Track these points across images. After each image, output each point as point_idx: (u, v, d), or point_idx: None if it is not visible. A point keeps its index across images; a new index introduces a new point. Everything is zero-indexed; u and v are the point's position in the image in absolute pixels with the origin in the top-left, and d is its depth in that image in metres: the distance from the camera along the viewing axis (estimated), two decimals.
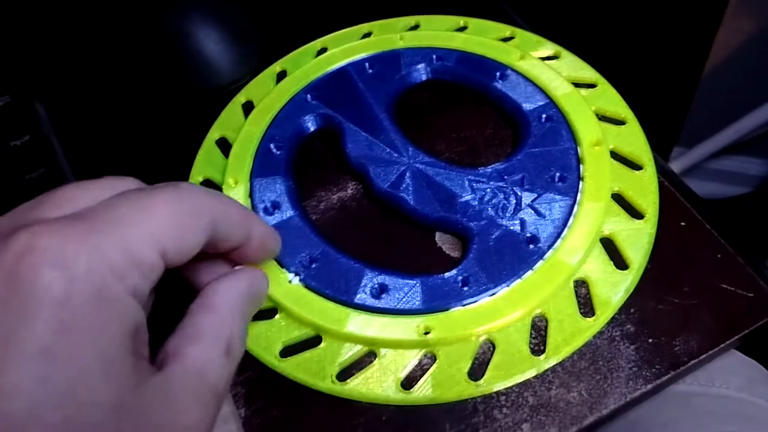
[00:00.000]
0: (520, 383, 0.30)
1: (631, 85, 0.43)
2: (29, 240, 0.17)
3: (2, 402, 0.15)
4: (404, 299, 0.32)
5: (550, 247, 0.33)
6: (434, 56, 0.42)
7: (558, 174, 0.35)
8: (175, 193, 0.21)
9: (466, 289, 0.32)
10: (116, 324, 0.18)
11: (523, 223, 0.34)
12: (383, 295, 0.32)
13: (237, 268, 0.26)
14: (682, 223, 0.34)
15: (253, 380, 0.32)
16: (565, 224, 0.34)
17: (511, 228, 0.34)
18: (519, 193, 0.35)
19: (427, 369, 0.30)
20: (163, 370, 0.19)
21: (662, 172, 0.36)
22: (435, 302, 0.32)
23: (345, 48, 0.44)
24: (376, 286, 0.33)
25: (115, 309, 0.18)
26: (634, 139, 0.37)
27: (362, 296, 0.32)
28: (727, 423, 0.32)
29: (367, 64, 0.43)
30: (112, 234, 0.18)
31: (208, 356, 0.20)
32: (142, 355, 0.19)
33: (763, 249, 0.96)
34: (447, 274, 0.33)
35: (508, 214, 0.34)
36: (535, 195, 0.35)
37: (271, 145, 0.39)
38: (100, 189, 0.21)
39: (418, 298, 0.32)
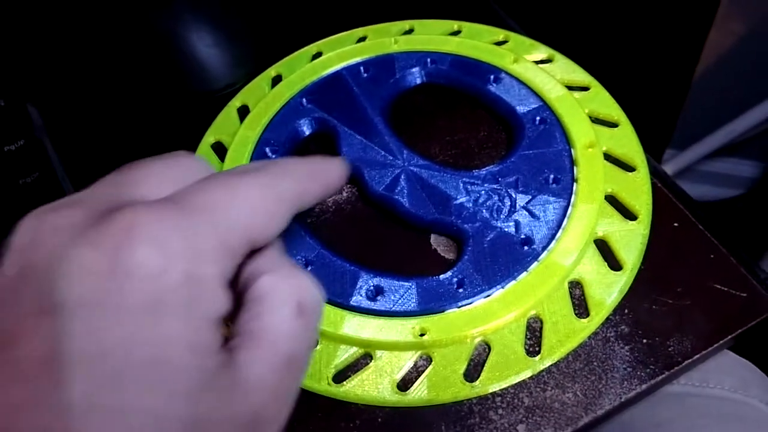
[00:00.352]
0: (515, 384, 0.30)
1: (624, 88, 0.43)
2: (132, 218, 0.18)
3: (94, 362, 0.16)
4: (399, 301, 0.32)
5: (544, 248, 0.33)
6: (428, 60, 0.43)
7: (552, 176, 0.36)
8: (264, 178, 0.21)
9: (461, 290, 0.32)
10: (204, 306, 0.18)
11: (517, 224, 0.34)
12: (379, 297, 0.33)
13: None
14: (675, 224, 0.35)
15: None
16: (559, 226, 0.34)
17: (506, 230, 0.34)
18: (513, 195, 0.35)
19: (423, 371, 0.31)
20: (235, 350, 0.19)
21: (655, 173, 0.36)
22: (430, 304, 0.32)
23: (340, 52, 0.44)
24: (372, 288, 0.33)
25: (205, 291, 0.18)
26: (626, 141, 0.37)
27: (358, 298, 0.33)
28: (721, 423, 0.32)
29: (361, 68, 0.43)
30: (206, 220, 0.19)
31: (275, 323, 0.20)
32: (223, 338, 0.19)
33: (755, 251, 0.96)
34: (442, 276, 0.33)
35: (502, 216, 0.35)
36: (530, 197, 0.35)
37: (267, 149, 0.39)
38: (179, 168, 0.21)
39: (414, 300, 0.32)
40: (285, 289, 0.20)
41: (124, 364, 0.17)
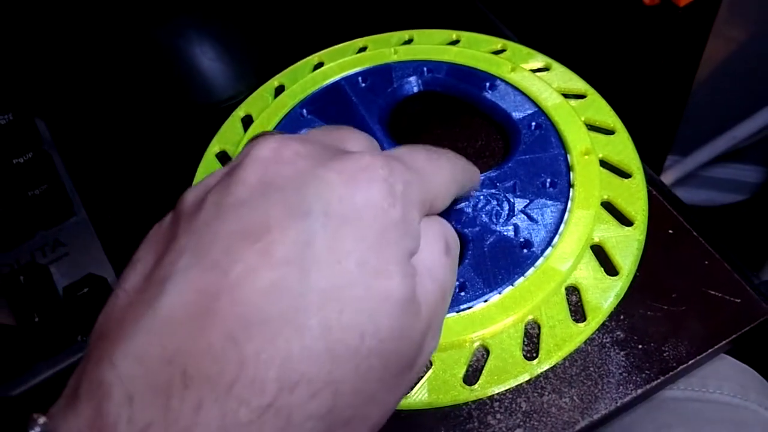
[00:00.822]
0: (513, 390, 0.31)
1: (624, 96, 0.44)
2: (371, 160, 0.22)
3: (331, 264, 0.20)
4: None
5: (543, 251, 0.34)
6: (425, 69, 0.43)
7: (549, 180, 0.36)
8: (452, 161, 0.27)
9: (463, 294, 0.33)
10: (411, 240, 0.22)
11: (516, 228, 0.35)
12: None
13: None
14: (670, 231, 0.35)
15: None
16: (557, 229, 0.34)
17: (505, 233, 0.35)
18: (511, 200, 0.36)
19: (423, 374, 0.31)
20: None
21: (650, 181, 0.37)
22: None
23: (340, 62, 0.45)
24: None
25: (412, 231, 0.22)
26: (622, 148, 0.38)
27: None
28: (720, 428, 0.32)
29: (360, 78, 0.44)
30: (418, 178, 0.23)
31: (433, 259, 0.24)
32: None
33: (759, 255, 0.96)
34: None
35: (501, 220, 0.35)
36: (527, 201, 0.36)
37: None
38: (373, 141, 0.27)
39: None
40: (437, 228, 0.24)
41: (355, 269, 0.20)
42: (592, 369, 0.31)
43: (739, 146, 0.96)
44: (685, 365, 0.30)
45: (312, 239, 0.19)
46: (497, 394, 0.31)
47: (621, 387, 0.30)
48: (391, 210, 0.21)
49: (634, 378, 0.30)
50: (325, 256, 0.19)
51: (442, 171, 0.25)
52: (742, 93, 0.94)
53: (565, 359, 0.31)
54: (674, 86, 0.83)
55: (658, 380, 0.30)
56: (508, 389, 0.31)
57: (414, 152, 0.25)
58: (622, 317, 0.32)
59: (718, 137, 0.95)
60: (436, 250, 0.24)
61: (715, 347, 0.31)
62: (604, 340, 0.32)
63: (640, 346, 0.31)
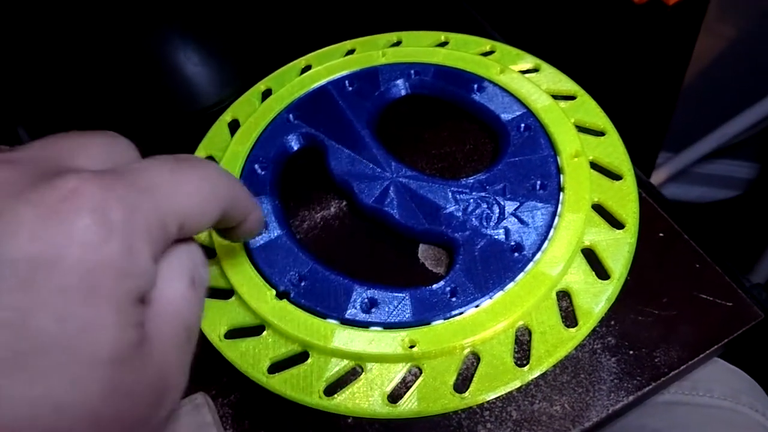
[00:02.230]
0: (503, 398, 0.30)
1: (614, 95, 0.43)
2: (78, 183, 0.18)
3: (17, 321, 0.16)
4: (394, 312, 0.32)
5: (534, 254, 0.33)
6: (412, 71, 0.43)
7: (539, 182, 0.36)
8: (203, 171, 0.22)
9: (454, 299, 0.32)
10: (136, 280, 0.18)
11: (507, 231, 0.34)
12: (373, 309, 0.33)
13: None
14: (661, 234, 0.35)
15: (239, 402, 0.32)
16: (547, 232, 0.34)
17: (496, 237, 0.34)
18: (502, 203, 0.36)
19: (413, 383, 0.31)
20: (146, 320, 0.20)
21: (641, 183, 0.36)
22: (424, 314, 0.32)
23: (327, 66, 0.44)
24: (366, 300, 0.33)
25: (138, 266, 0.18)
26: (613, 150, 0.37)
27: (353, 311, 0.33)
28: (711, 431, 0.32)
29: (347, 81, 0.43)
30: (149, 198, 0.19)
31: (174, 294, 0.20)
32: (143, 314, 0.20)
33: (752, 252, 0.96)
34: (435, 286, 0.33)
35: (492, 224, 0.35)
36: (518, 203, 0.35)
37: (256, 166, 0.40)
38: (117, 146, 0.22)
39: (408, 311, 0.32)
40: (183, 257, 0.21)
41: (53, 327, 0.16)
42: (583, 376, 0.31)
43: (731, 142, 0.96)
44: (676, 371, 0.30)
45: None
46: (487, 402, 0.30)
47: (612, 394, 0.30)
48: (104, 246, 0.17)
49: (625, 385, 0.30)
50: (9, 315, 0.16)
51: (190, 183, 0.21)
52: (733, 90, 0.94)
53: (556, 366, 0.31)
54: (664, 84, 0.83)
55: (650, 386, 0.30)
56: (499, 397, 0.30)
57: (153, 165, 0.20)
58: (613, 322, 0.32)
59: (710, 134, 0.95)
60: (179, 284, 0.21)
61: (707, 352, 0.31)
62: (595, 346, 0.31)
63: (631, 352, 0.31)
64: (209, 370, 0.33)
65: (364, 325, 0.32)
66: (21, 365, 0.16)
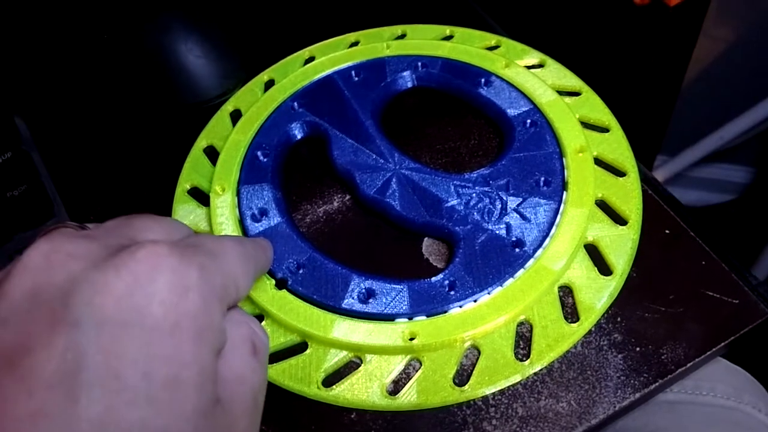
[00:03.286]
0: (509, 395, 0.30)
1: (615, 94, 0.43)
2: (154, 249, 0.19)
3: (110, 378, 0.17)
4: (391, 304, 0.32)
5: (535, 250, 0.33)
6: (419, 64, 0.43)
7: (543, 178, 0.36)
8: (237, 240, 0.24)
9: (452, 293, 0.32)
10: (213, 335, 0.20)
11: (508, 227, 0.34)
12: (370, 300, 0.32)
13: None
14: (666, 231, 0.35)
15: None
16: (550, 228, 0.34)
17: (497, 232, 0.34)
18: (504, 198, 0.35)
19: (413, 375, 0.30)
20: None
21: (645, 180, 0.36)
22: (422, 306, 0.32)
23: (332, 57, 0.44)
24: (364, 291, 0.33)
25: (214, 322, 0.20)
26: (617, 146, 0.37)
27: (350, 301, 0.32)
28: (714, 430, 0.32)
29: (353, 72, 0.43)
30: (214, 261, 0.21)
31: (239, 361, 0.22)
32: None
33: (747, 256, 0.96)
34: (434, 279, 0.33)
35: (493, 219, 0.35)
36: (520, 199, 0.35)
37: (258, 153, 0.39)
38: (178, 226, 0.24)
39: (405, 303, 0.32)
40: (244, 327, 0.22)
41: (141, 383, 0.17)
42: (589, 372, 0.30)
43: (728, 146, 0.96)
44: (683, 368, 0.30)
45: (82, 355, 0.17)
46: (493, 399, 0.30)
47: (619, 391, 0.30)
48: (184, 302, 0.19)
49: (632, 382, 0.30)
50: (99, 373, 0.17)
51: (233, 250, 0.23)
52: (731, 93, 0.94)
53: (562, 362, 0.31)
54: (664, 85, 0.83)
55: (657, 383, 0.30)
56: (504, 394, 0.30)
57: (207, 237, 0.23)
58: (619, 319, 0.32)
59: (707, 137, 0.95)
60: (244, 352, 0.22)
61: (714, 349, 0.30)
62: (602, 343, 0.31)
63: (637, 349, 0.31)
64: None
65: (361, 315, 0.32)
66: (110, 422, 0.17)
